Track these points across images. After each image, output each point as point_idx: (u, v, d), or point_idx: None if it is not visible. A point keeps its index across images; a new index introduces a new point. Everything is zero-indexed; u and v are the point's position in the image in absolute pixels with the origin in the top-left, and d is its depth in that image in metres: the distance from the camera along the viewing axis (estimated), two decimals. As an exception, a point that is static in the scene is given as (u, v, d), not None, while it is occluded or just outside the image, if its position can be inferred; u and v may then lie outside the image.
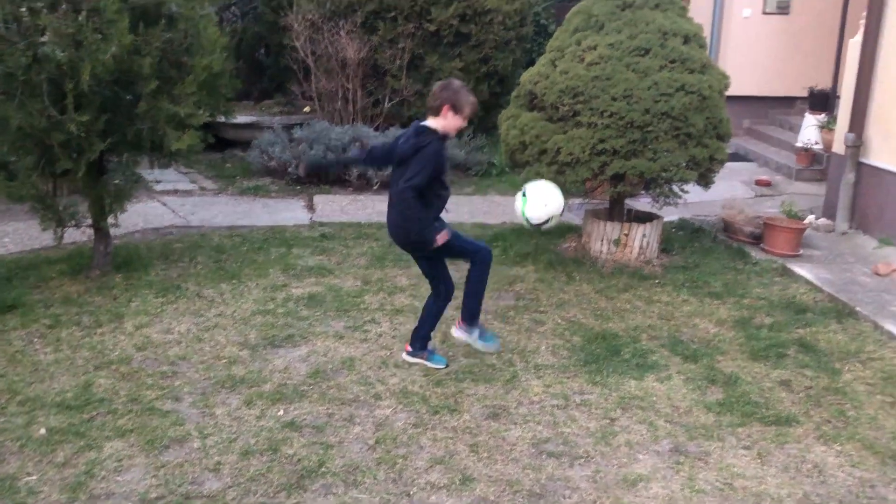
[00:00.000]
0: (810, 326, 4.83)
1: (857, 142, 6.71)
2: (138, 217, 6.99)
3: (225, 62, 5.36)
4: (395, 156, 4.09)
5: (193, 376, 4.08)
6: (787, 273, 5.73)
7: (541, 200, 4.37)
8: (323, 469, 3.30)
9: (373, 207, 7.62)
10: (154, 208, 7.34)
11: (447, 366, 4.24)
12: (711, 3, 10.33)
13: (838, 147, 7.06)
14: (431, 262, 4.25)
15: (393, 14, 9.02)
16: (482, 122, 9.74)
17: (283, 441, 3.50)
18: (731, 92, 9.96)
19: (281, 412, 3.75)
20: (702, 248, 6.36)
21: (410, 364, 4.27)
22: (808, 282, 5.48)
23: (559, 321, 4.92)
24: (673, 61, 5.43)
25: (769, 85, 10.37)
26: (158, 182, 8.14)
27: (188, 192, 8.00)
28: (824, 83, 9.49)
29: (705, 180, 5.80)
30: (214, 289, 5.28)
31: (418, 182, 3.85)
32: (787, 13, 10.09)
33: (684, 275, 5.71)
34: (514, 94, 6.23)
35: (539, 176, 5.80)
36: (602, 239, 5.97)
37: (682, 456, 3.45)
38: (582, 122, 5.49)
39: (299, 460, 3.36)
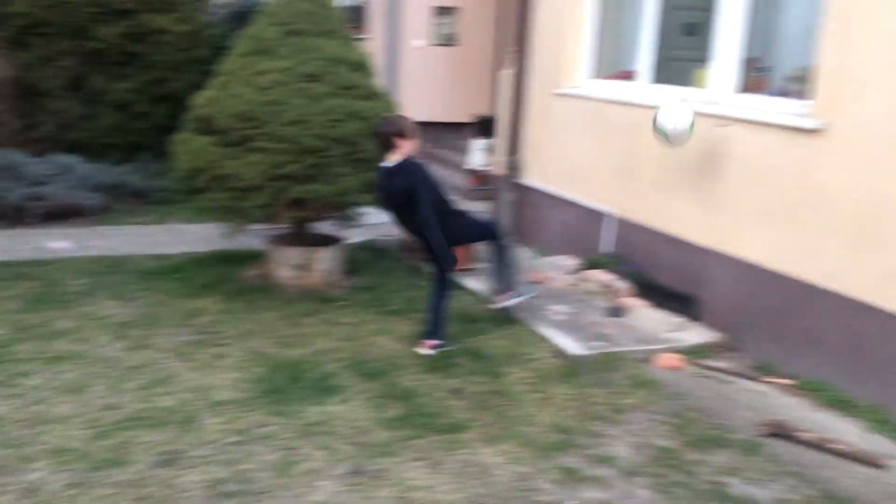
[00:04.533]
0: (480, 335, 5.21)
1: (514, 164, 7.45)
2: None
3: None
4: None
5: None
6: (460, 287, 6.14)
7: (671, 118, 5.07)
8: (-49, 555, 2.82)
9: (35, 243, 6.81)
10: None
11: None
12: (386, 34, 10.86)
13: (499, 169, 7.78)
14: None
15: (49, 30, 8.19)
16: (160, 147, 9.22)
17: None
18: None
19: None
20: (385, 268, 6.60)
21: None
22: (478, 294, 5.92)
23: (242, 353, 4.77)
24: (343, 88, 5.57)
25: (442, 111, 11.13)
26: None
27: None
28: (488, 110, 10.41)
29: (382, 203, 6.02)
30: None
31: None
32: (452, 45, 10.93)
33: (368, 295, 5.87)
34: (186, 117, 5.97)
35: (216, 203, 5.62)
36: (286, 264, 5.92)
37: (360, 476, 3.50)
38: (257, 147, 5.41)
39: (-81, 550, 2.84)
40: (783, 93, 5.09)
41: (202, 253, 6.78)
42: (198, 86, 9.45)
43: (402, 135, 4.61)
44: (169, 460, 3.54)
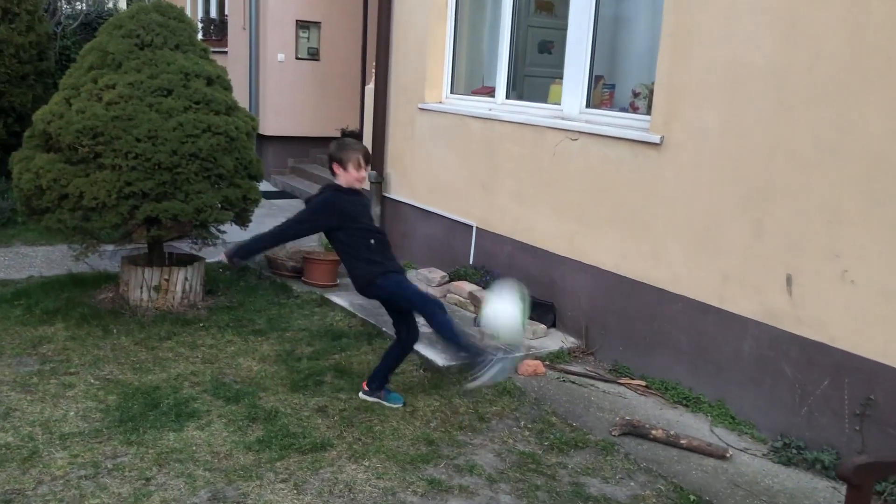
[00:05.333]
0: (345, 351, 5.17)
1: (380, 178, 7.47)
2: None
3: None
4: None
5: None
6: (325, 303, 6.08)
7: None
8: None
9: None
10: None
11: (404, 405, 4.41)
12: (247, 47, 10.65)
13: (365, 183, 7.76)
14: (393, 307, 4.39)
15: None
16: (1, 165, 8.64)
17: None
18: (275, 132, 10.24)
19: None
20: (247, 286, 6.44)
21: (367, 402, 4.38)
22: (343, 309, 5.89)
23: (93, 381, 4.51)
24: (197, 102, 5.41)
25: (308, 126, 11.03)
26: None
27: None
28: (355, 125, 10.40)
29: (242, 220, 5.89)
30: None
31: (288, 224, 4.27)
32: (317, 59, 10.85)
33: (229, 315, 5.71)
34: (27, 133, 5.62)
35: (61, 223, 5.32)
36: (142, 286, 5.67)
37: (220, 503, 3.38)
38: (105, 165, 5.16)
39: None
40: (630, 108, 5.37)
41: (50, 277, 6.39)
42: (43, 99, 8.95)
43: (339, 162, 4.28)
44: (9, 501, 3.29)
